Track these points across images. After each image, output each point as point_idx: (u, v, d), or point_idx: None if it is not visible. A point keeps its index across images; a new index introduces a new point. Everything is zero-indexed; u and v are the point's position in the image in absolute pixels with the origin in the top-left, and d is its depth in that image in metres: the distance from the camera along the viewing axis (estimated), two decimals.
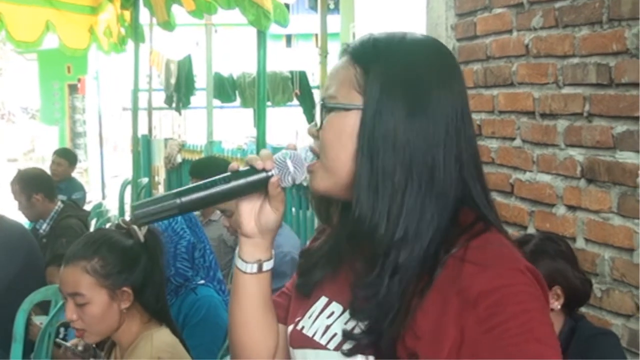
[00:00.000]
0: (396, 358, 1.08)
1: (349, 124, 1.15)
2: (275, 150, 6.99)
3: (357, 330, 1.13)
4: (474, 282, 1.07)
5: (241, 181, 1.20)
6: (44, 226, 4.72)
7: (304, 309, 1.27)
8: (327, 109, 1.19)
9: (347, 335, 1.14)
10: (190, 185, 1.23)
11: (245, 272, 1.27)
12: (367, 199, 1.12)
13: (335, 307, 1.21)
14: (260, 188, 1.21)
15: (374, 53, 1.17)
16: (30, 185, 4.70)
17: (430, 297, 1.09)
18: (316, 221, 5.12)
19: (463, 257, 1.09)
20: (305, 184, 1.25)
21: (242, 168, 1.22)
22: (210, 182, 1.21)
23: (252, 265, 1.27)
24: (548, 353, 1.06)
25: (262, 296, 1.29)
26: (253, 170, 1.21)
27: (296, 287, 1.32)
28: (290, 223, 5.04)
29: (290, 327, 1.28)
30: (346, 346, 1.14)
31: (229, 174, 1.21)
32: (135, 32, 6.44)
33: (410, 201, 1.12)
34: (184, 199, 1.19)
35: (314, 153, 1.22)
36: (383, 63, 1.15)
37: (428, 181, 1.12)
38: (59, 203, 4.80)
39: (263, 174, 1.21)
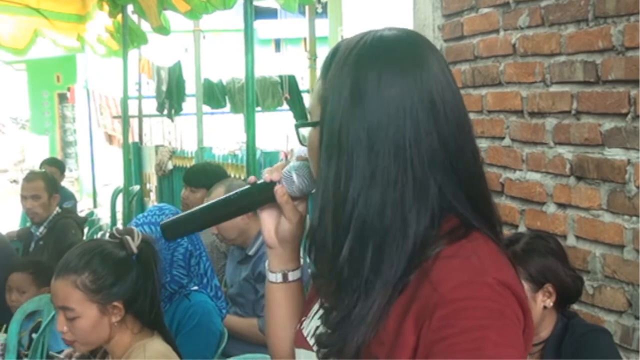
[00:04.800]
0: None
1: (316, 139, 1.15)
2: (266, 154, 6.91)
3: (328, 337, 1.12)
4: (433, 292, 1.02)
5: (253, 193, 1.28)
6: (41, 229, 4.83)
7: (309, 309, 1.28)
8: (297, 127, 1.21)
9: (318, 340, 1.14)
10: (207, 203, 1.33)
11: (270, 282, 1.33)
12: (315, 209, 1.12)
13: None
14: (273, 199, 1.26)
15: (331, 59, 1.14)
16: (52, 184, 4.95)
17: (397, 302, 1.06)
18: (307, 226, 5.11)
19: (429, 269, 1.04)
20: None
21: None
22: (226, 197, 1.30)
23: (277, 275, 1.33)
24: None
25: (290, 304, 1.33)
26: (264, 182, 1.27)
27: (312, 275, 1.29)
28: None
29: (297, 326, 1.29)
30: (321, 350, 1.13)
31: (246, 187, 1.29)
32: (125, 38, 6.44)
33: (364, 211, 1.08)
34: (205, 214, 1.31)
35: None
36: (333, 69, 1.12)
37: (390, 188, 1.06)
38: (58, 208, 4.92)
39: (269, 185, 1.26)
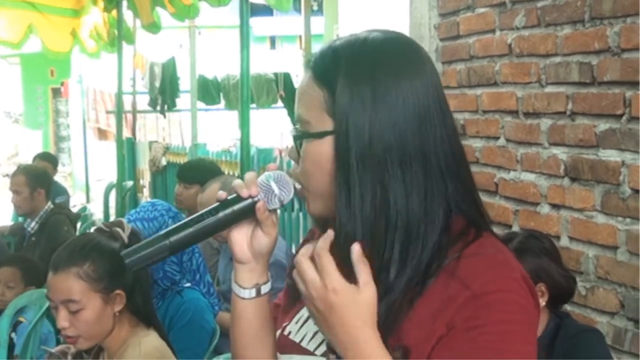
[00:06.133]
0: None
1: (325, 150, 1.12)
2: (260, 151, 6.91)
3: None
4: (464, 289, 1.05)
5: (228, 211, 1.19)
6: (32, 224, 4.80)
7: (292, 314, 1.26)
8: (302, 137, 1.16)
9: (330, 348, 1.12)
10: (179, 224, 1.21)
11: (244, 298, 1.24)
12: (349, 221, 1.10)
13: None
14: (250, 214, 1.20)
15: (335, 69, 1.12)
16: (36, 179, 4.84)
17: (420, 306, 1.07)
18: (301, 223, 5.12)
19: (455, 269, 1.07)
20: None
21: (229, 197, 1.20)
22: (198, 216, 1.19)
23: (250, 290, 1.24)
24: None
25: (261, 318, 1.26)
26: (239, 197, 1.19)
27: (287, 285, 1.30)
28: None
29: (278, 333, 1.27)
30: (332, 354, 1.12)
31: (216, 204, 1.20)
32: (119, 34, 6.43)
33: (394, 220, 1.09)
34: (173, 239, 1.18)
35: (297, 181, 1.19)
36: (345, 79, 1.11)
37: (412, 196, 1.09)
38: (50, 204, 4.87)
39: (249, 201, 1.19)
